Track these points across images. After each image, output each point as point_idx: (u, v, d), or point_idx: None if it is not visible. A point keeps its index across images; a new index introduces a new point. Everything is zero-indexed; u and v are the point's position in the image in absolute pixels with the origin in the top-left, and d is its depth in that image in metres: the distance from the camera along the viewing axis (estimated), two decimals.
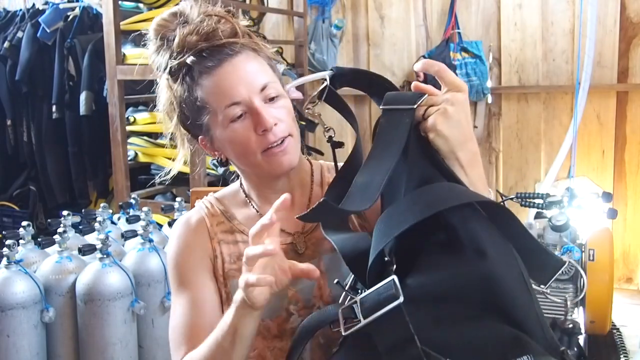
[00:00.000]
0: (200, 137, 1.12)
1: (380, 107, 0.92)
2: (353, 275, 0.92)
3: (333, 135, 1.09)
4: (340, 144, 1.09)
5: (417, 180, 0.89)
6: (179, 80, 1.07)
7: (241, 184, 1.20)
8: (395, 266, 0.82)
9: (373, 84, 1.04)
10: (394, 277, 0.78)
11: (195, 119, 1.08)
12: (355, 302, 0.81)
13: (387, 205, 0.89)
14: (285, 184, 1.14)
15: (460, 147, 0.90)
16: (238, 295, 0.94)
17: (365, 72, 1.06)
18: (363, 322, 0.78)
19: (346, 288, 0.91)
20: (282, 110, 1.07)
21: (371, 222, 1.14)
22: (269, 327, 1.09)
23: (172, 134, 1.16)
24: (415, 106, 0.88)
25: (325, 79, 1.03)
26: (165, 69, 1.08)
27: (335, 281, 0.91)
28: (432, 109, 0.90)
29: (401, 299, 0.75)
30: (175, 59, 1.05)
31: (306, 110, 1.05)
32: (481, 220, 0.82)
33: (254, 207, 1.17)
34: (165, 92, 1.11)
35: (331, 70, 1.05)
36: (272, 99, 1.06)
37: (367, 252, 0.85)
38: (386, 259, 0.84)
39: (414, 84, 0.93)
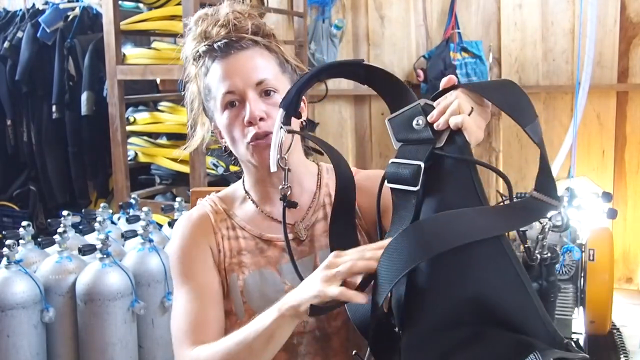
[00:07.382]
0: (212, 123, 1.19)
1: (387, 184, 0.92)
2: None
3: (287, 193, 1.04)
4: (294, 204, 1.05)
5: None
6: (198, 66, 1.15)
7: (243, 180, 1.23)
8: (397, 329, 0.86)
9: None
10: None
11: (206, 104, 1.17)
12: None
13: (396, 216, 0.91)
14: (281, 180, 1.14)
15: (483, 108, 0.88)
16: (287, 304, 0.93)
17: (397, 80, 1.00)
18: None
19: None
20: (274, 108, 1.08)
21: (368, 223, 1.16)
22: None
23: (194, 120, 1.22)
24: (416, 188, 0.87)
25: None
26: (188, 57, 1.17)
27: (354, 352, 0.97)
28: (455, 119, 0.84)
29: None
30: (195, 46, 1.14)
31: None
32: None
33: (253, 202, 1.20)
34: (193, 79, 1.19)
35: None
36: (267, 93, 1.10)
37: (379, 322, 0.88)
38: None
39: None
